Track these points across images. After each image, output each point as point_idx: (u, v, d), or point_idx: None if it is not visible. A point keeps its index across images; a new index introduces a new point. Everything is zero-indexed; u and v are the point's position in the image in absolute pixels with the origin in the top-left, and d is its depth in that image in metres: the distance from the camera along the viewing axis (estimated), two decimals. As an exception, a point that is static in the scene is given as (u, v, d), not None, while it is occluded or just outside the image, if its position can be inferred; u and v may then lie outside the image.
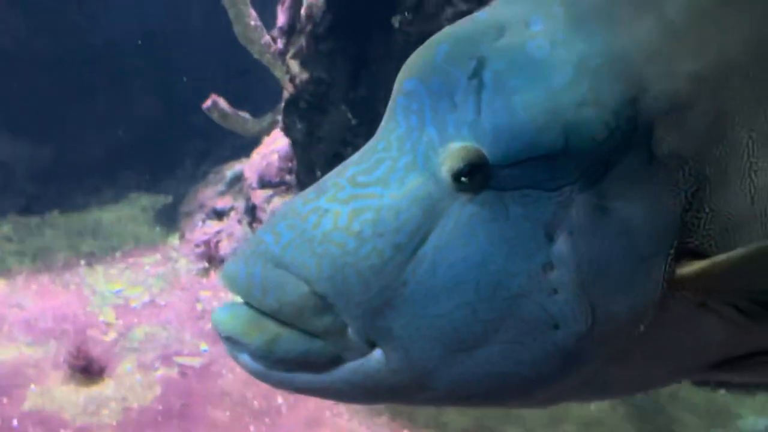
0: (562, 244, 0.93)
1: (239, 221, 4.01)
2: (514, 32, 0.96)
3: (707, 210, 0.97)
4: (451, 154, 0.93)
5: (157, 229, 4.63)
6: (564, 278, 0.93)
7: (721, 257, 0.94)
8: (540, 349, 0.94)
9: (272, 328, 0.94)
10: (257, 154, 3.94)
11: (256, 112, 4.23)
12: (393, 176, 0.95)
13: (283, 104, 3.40)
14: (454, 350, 0.94)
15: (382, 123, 1.00)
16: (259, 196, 3.80)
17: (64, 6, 4.89)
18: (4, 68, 4.82)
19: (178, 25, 5.21)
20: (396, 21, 2.89)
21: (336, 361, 0.95)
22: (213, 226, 4.11)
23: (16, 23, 4.82)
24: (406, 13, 2.87)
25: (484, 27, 0.97)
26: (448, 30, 1.00)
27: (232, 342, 0.96)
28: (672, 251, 0.95)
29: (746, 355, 1.05)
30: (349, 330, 0.94)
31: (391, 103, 0.99)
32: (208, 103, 4.01)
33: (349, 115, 3.15)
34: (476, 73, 0.95)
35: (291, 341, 0.94)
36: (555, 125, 0.92)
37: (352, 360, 0.95)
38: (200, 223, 4.22)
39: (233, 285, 0.96)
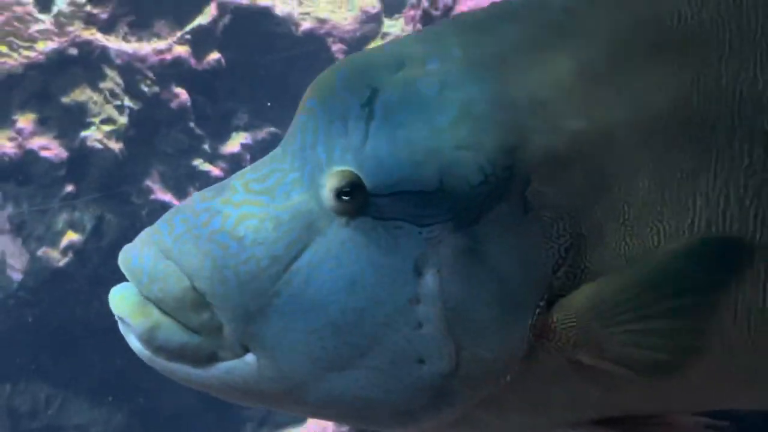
0: (429, 280, 0.92)
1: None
2: (410, 68, 0.96)
3: (582, 267, 0.95)
4: (332, 176, 0.94)
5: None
6: (429, 314, 0.92)
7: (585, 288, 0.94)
8: (408, 381, 0.94)
9: (155, 315, 0.95)
10: (312, 422, 4.19)
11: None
12: (280, 189, 0.96)
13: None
14: (322, 368, 0.94)
15: (286, 135, 1.01)
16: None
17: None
18: (86, 338, 5.22)
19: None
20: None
21: (212, 358, 0.95)
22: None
23: (101, 299, 5.23)
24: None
25: (386, 58, 0.98)
26: (353, 56, 1.03)
27: (123, 322, 0.97)
28: (542, 303, 0.94)
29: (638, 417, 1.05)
30: (225, 330, 0.95)
31: (294, 118, 1.01)
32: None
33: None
34: (369, 102, 0.95)
35: (170, 331, 0.95)
36: (432, 163, 0.93)
37: (226, 360, 0.95)
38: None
39: (126, 268, 0.98)
